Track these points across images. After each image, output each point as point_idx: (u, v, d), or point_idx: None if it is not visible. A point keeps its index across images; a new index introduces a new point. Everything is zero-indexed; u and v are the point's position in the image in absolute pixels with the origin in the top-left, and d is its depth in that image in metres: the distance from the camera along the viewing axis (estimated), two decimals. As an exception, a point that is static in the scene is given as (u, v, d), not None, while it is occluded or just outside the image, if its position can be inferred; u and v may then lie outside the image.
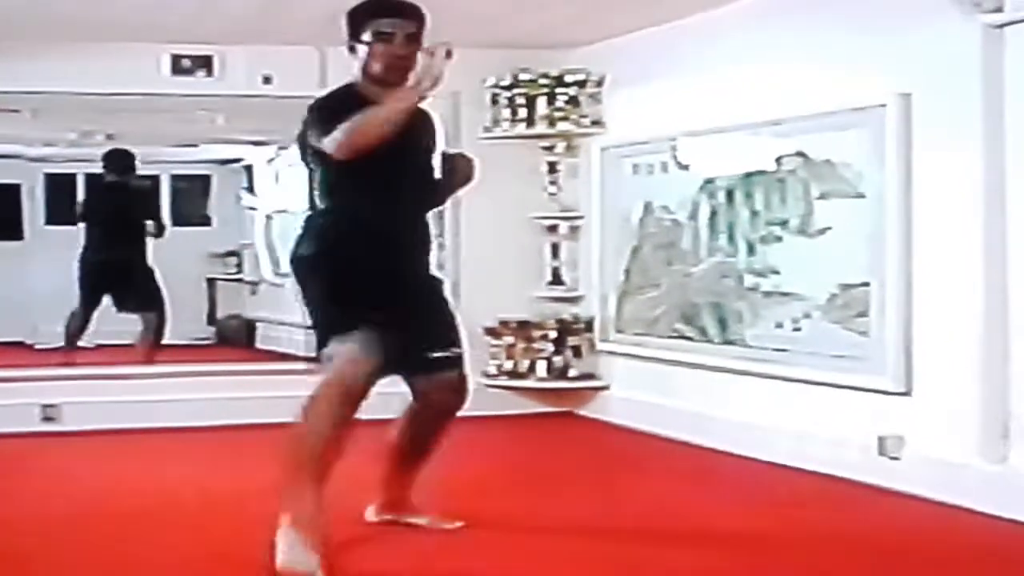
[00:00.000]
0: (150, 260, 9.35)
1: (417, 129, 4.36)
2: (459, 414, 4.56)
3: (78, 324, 9.19)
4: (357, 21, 4.37)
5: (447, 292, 4.81)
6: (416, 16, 4.36)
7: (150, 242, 9.42)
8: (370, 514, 4.68)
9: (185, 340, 10.62)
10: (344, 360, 4.18)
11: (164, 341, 9.21)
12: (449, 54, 4.15)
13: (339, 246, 4.35)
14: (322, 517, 4.09)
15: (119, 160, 9.45)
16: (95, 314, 9.21)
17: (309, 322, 4.44)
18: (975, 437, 4.98)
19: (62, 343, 9.20)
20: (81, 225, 9.52)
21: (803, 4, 5.92)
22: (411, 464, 4.63)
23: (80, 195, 10.95)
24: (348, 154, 4.13)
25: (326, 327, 4.30)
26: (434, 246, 4.71)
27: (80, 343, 9.22)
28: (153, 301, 9.15)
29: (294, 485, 4.12)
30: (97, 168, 9.80)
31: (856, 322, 5.55)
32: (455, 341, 4.53)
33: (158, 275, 9.30)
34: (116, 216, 9.32)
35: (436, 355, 4.45)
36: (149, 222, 9.48)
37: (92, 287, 9.14)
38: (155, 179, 11.34)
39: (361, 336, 4.18)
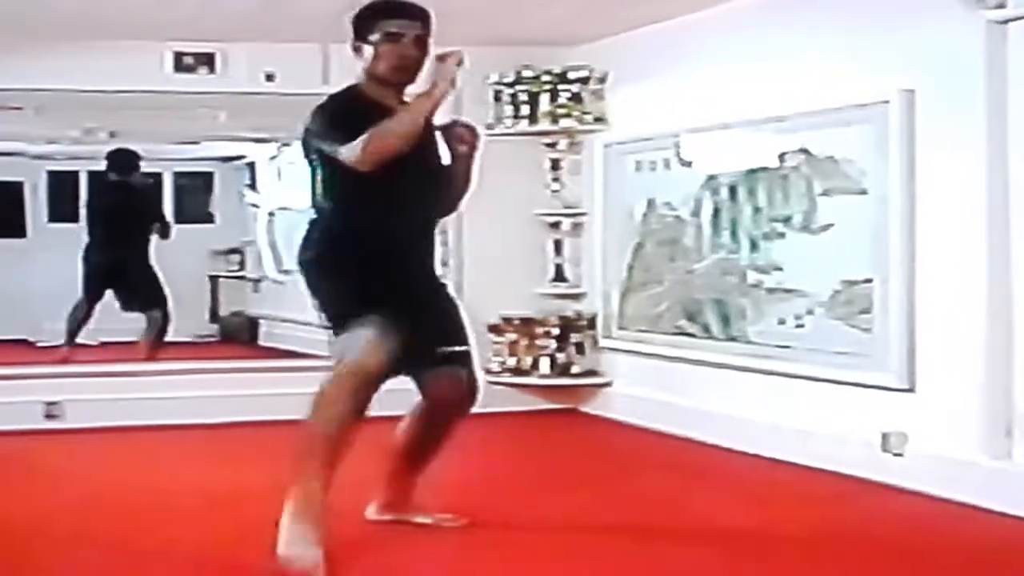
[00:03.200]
0: (152, 260, 9.35)
1: (421, 132, 4.32)
2: (475, 396, 4.54)
3: (80, 316, 9.22)
4: (364, 22, 4.36)
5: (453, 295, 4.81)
6: (423, 18, 4.36)
7: (154, 240, 9.43)
8: (371, 512, 4.66)
9: (188, 337, 10.63)
10: (360, 345, 4.17)
11: (167, 338, 9.22)
12: (460, 62, 4.20)
13: (346, 247, 4.34)
14: (326, 510, 4.08)
15: (123, 159, 9.46)
16: (98, 307, 9.23)
17: (324, 321, 4.39)
18: (978, 434, 4.98)
19: (63, 339, 9.21)
20: (84, 224, 9.53)
21: (807, 1, 5.92)
22: (416, 463, 4.61)
23: (83, 194, 10.97)
24: (372, 166, 4.14)
25: (341, 316, 4.27)
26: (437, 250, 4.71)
27: (82, 340, 9.23)
28: (156, 300, 9.16)
29: (303, 472, 4.12)
30: (100, 166, 9.81)
31: (859, 319, 5.55)
32: (464, 340, 4.52)
33: (160, 275, 9.30)
34: (119, 215, 9.33)
35: (445, 351, 4.43)
36: (155, 224, 9.48)
37: (95, 284, 9.16)
38: (158, 176, 11.34)
39: (376, 319, 4.18)
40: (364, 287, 4.29)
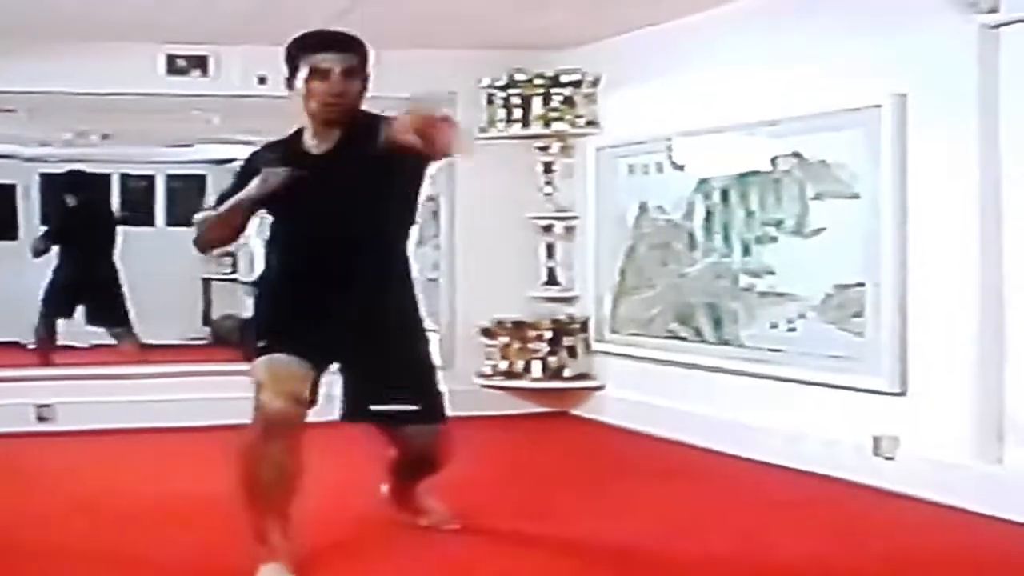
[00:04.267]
0: (120, 277, 9.39)
1: (352, 160, 4.00)
2: (442, 457, 4.36)
3: (46, 331, 9.28)
4: (292, 58, 4.09)
5: (429, 342, 4.39)
6: (353, 48, 4.06)
7: (145, 244, 9.43)
8: (384, 490, 4.65)
9: (180, 340, 10.62)
10: (259, 387, 3.96)
11: (159, 341, 9.21)
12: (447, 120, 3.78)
13: (268, 309, 4.21)
14: (293, 546, 3.97)
15: (79, 184, 9.53)
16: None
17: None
18: (970, 438, 4.98)
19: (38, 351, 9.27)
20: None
21: (799, 5, 5.92)
22: (409, 485, 4.60)
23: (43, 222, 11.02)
24: (203, 251, 4.20)
25: (251, 348, 4.08)
26: (415, 284, 4.29)
27: (73, 343, 9.24)
28: (122, 318, 9.21)
29: (260, 537, 3.96)
30: (93, 167, 9.81)
31: (851, 322, 5.56)
32: (416, 395, 4.16)
33: (126, 291, 9.35)
34: (83, 237, 9.37)
35: (383, 409, 4.13)
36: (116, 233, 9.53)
37: (66, 301, 9.24)
38: (150, 179, 11.33)
39: (273, 358, 3.97)
40: (272, 319, 4.13)
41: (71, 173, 9.67)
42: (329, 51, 4.03)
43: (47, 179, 11.46)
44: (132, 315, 9.30)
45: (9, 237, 11.54)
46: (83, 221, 9.50)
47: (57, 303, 9.25)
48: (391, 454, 4.48)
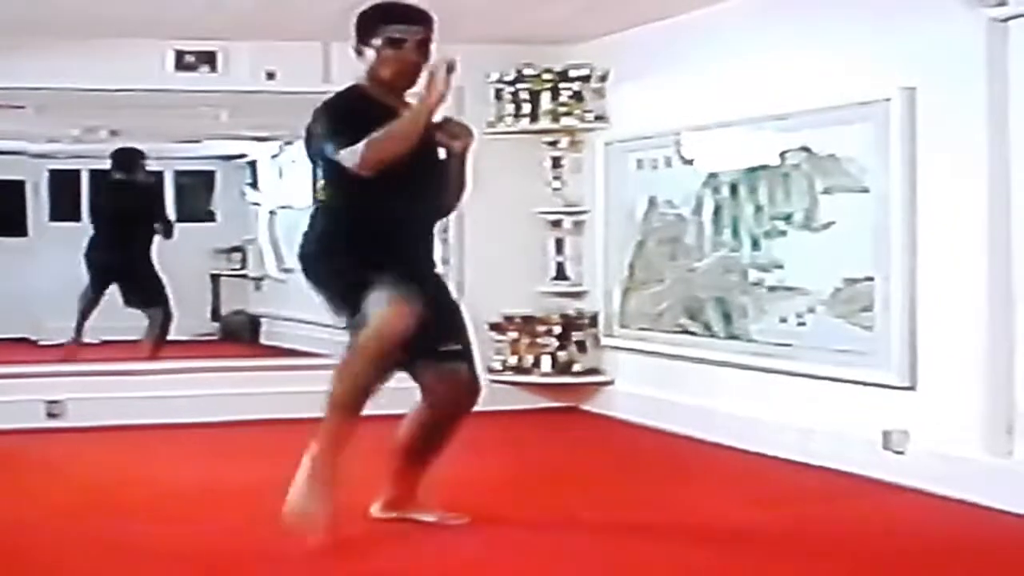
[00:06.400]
0: (154, 259, 9.34)
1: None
2: (471, 401, 4.53)
3: (87, 303, 9.23)
4: (367, 25, 4.38)
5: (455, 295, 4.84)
6: (426, 22, 4.37)
7: (157, 239, 9.41)
8: (375, 510, 4.65)
9: (189, 336, 10.64)
10: (381, 308, 4.16)
11: (169, 337, 9.22)
12: (451, 68, 4.20)
13: (346, 237, 4.38)
14: (339, 473, 4.18)
15: (127, 158, 9.45)
16: (103, 300, 9.26)
17: (338, 311, 4.41)
18: (980, 431, 4.97)
19: (66, 339, 9.23)
20: (87, 221, 9.53)
21: (807, -2, 5.93)
22: (419, 462, 4.59)
23: (85, 193, 10.99)
24: (371, 170, 4.18)
25: (352, 287, 4.26)
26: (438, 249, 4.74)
27: (85, 339, 9.24)
28: (158, 298, 9.15)
29: (324, 433, 4.18)
30: (101, 164, 9.82)
31: (860, 316, 5.55)
32: (466, 339, 4.54)
33: (161, 274, 9.30)
34: (122, 214, 9.32)
35: (445, 348, 4.44)
36: (158, 223, 9.47)
37: (98, 280, 9.17)
38: (159, 175, 11.34)
39: (391, 279, 4.20)
40: (368, 258, 4.29)
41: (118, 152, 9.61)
42: (406, 22, 4.35)
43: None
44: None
45: (18, 233, 11.56)
46: (123, 201, 9.44)
47: (91, 283, 9.21)
48: (413, 420, 4.53)
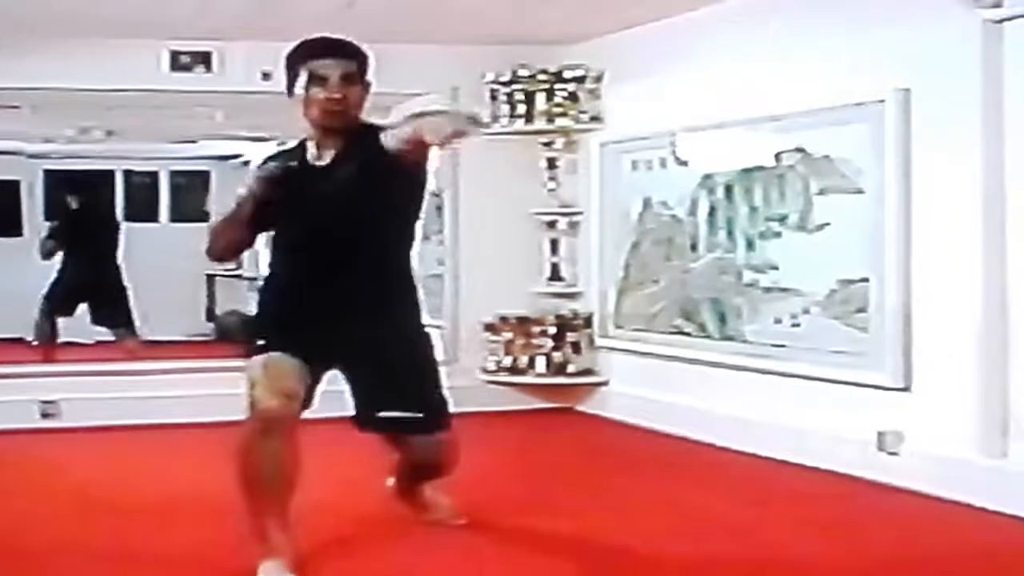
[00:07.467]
0: (124, 278, 9.43)
1: (353, 171, 4.00)
2: (447, 464, 4.36)
3: (48, 328, 9.43)
4: (291, 66, 4.10)
5: (434, 349, 4.38)
6: (352, 54, 4.06)
7: (148, 240, 9.45)
8: (390, 483, 4.63)
9: (184, 336, 10.63)
10: (253, 383, 3.98)
11: (163, 337, 9.22)
12: (459, 133, 3.66)
13: (270, 311, 4.22)
14: (292, 544, 3.96)
15: (82, 187, 9.57)
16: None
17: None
18: (974, 433, 4.98)
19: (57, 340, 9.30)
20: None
21: (803, 0, 5.92)
22: (416, 487, 4.59)
23: (46, 224, 11.06)
24: (213, 260, 4.21)
25: (249, 346, 4.10)
26: (420, 300, 4.29)
27: (78, 339, 9.26)
28: (125, 318, 9.24)
29: (256, 529, 3.97)
30: (96, 165, 9.83)
31: (855, 318, 5.55)
32: (422, 402, 4.18)
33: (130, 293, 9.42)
34: (87, 240, 9.40)
35: (387, 415, 4.14)
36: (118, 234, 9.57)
37: (67, 302, 9.34)
38: (154, 175, 11.34)
39: (270, 357, 3.98)
40: (272, 320, 4.14)
41: (73, 174, 9.74)
42: (328, 57, 4.02)
43: (51, 177, 11.49)
44: (136, 313, 9.32)
45: (13, 233, 11.55)
46: (86, 223, 9.52)
47: (59, 302, 9.29)
48: (396, 457, 4.48)
